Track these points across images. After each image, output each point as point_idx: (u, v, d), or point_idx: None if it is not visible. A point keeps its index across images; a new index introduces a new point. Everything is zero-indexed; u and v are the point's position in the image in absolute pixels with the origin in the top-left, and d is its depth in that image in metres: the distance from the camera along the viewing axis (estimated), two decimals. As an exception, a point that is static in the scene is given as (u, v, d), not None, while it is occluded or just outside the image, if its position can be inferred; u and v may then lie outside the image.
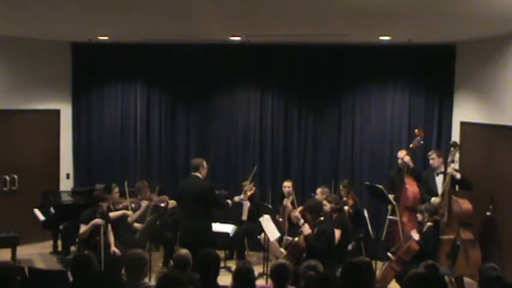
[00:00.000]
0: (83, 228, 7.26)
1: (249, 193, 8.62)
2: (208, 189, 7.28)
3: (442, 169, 7.73)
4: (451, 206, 7.34)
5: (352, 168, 9.22)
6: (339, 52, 9.11)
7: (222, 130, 9.74)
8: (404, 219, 7.97)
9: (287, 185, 8.65)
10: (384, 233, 8.11)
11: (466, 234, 7.19)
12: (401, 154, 8.20)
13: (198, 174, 7.33)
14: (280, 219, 8.41)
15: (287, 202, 8.48)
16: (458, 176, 7.46)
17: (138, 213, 8.11)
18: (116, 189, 8.28)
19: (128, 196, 8.18)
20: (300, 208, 7.93)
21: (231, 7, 6.05)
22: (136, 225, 8.07)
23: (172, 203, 8.30)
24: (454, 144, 7.62)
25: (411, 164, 8.07)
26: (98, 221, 7.21)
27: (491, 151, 7.82)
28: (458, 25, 6.79)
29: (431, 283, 3.97)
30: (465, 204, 7.29)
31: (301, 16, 6.44)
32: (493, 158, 7.77)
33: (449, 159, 7.53)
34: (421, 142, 8.16)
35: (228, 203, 8.02)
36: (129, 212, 8.05)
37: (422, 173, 8.17)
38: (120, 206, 8.17)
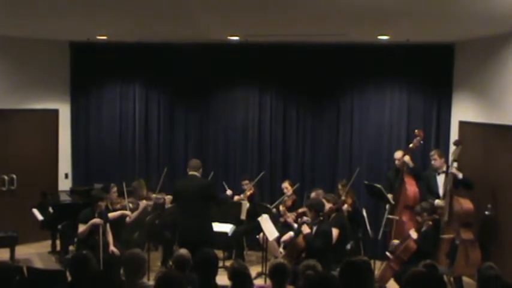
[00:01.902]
0: (82, 227, 7.26)
1: (248, 193, 8.64)
2: (209, 185, 7.35)
3: (444, 169, 7.74)
4: (452, 205, 7.34)
5: (350, 168, 9.19)
6: (337, 52, 9.10)
7: (221, 130, 9.74)
8: (404, 218, 7.96)
9: (285, 186, 8.68)
10: (381, 231, 8.10)
11: (467, 234, 7.18)
12: (398, 155, 8.22)
13: (197, 173, 7.32)
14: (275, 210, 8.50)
15: (287, 201, 8.52)
16: (460, 175, 7.44)
17: (136, 213, 8.10)
18: (114, 189, 8.27)
19: (126, 196, 8.17)
20: (302, 209, 7.98)
21: (229, 6, 6.05)
22: (127, 213, 8.04)
23: (169, 198, 8.25)
24: (457, 143, 7.61)
25: (411, 164, 8.06)
26: (96, 220, 7.22)
27: (490, 150, 7.82)
28: (456, 25, 6.79)
29: (430, 282, 3.97)
30: (466, 204, 7.29)
31: (299, 16, 6.43)
32: (491, 158, 7.77)
33: (453, 157, 7.52)
34: (421, 142, 8.16)
35: (227, 196, 8.04)
36: (128, 212, 8.03)
37: (423, 173, 8.16)
38: (119, 206, 8.17)
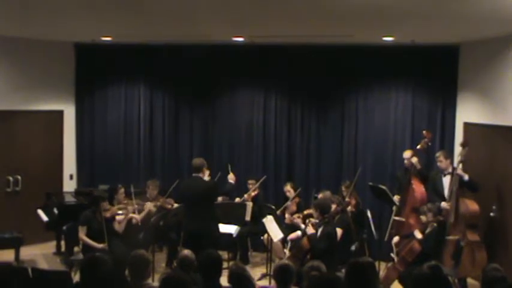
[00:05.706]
0: (82, 231, 7.33)
1: (252, 194, 8.63)
2: (211, 187, 7.34)
3: (450, 170, 7.70)
4: (459, 206, 7.32)
5: (355, 169, 9.16)
6: (342, 53, 9.09)
7: (225, 131, 9.74)
8: (411, 220, 7.93)
9: (287, 189, 8.68)
10: (388, 233, 8.09)
11: (472, 236, 7.16)
12: (407, 155, 8.17)
13: (200, 175, 7.34)
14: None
15: (291, 206, 8.52)
16: (466, 177, 7.41)
17: (142, 214, 8.10)
18: (121, 190, 8.24)
19: (133, 197, 8.16)
20: (307, 211, 7.97)
21: (235, 8, 6.05)
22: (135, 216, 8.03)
23: (176, 205, 8.28)
24: (464, 144, 7.59)
25: (418, 166, 8.04)
26: (94, 245, 7.24)
27: (495, 152, 7.80)
28: (461, 26, 6.78)
29: (435, 283, 3.96)
30: (472, 206, 7.26)
31: (305, 17, 6.43)
32: (496, 159, 7.75)
33: (459, 159, 7.50)
34: (429, 144, 8.13)
35: (231, 186, 7.95)
36: (134, 215, 7.98)
37: (430, 174, 8.12)
38: (122, 205, 8.12)
